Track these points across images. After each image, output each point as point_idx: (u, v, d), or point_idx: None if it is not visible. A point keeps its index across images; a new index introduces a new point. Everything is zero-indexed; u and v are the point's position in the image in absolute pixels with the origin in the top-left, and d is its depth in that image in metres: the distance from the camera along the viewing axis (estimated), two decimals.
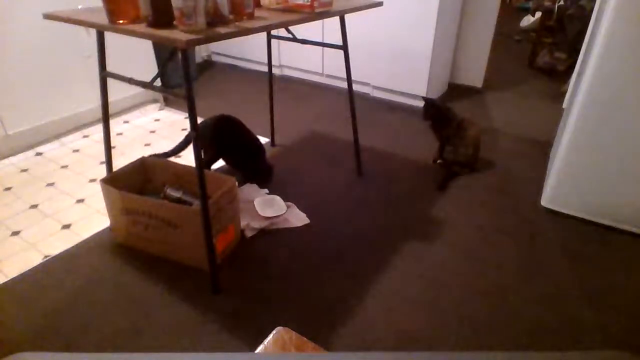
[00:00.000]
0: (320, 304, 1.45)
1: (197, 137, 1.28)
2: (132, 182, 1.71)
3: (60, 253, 1.65)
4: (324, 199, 2.01)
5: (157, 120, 2.83)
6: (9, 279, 1.53)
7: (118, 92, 2.69)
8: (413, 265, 1.61)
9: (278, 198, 1.93)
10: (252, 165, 2.11)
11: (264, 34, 2.47)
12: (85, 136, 2.56)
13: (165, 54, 2.94)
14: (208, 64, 4.05)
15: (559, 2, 3.95)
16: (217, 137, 1.97)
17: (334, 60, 3.33)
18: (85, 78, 2.54)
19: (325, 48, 3.27)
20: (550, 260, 1.65)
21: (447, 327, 1.36)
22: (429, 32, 2.76)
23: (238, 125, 2.05)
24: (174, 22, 1.18)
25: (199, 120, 1.50)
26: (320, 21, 3.16)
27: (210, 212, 1.37)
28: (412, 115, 2.91)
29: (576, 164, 1.76)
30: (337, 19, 1.78)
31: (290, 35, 1.96)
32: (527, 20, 5.10)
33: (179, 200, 1.59)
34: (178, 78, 3.27)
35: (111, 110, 1.92)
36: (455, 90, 3.40)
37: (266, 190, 2.02)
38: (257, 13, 1.46)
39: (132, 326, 1.35)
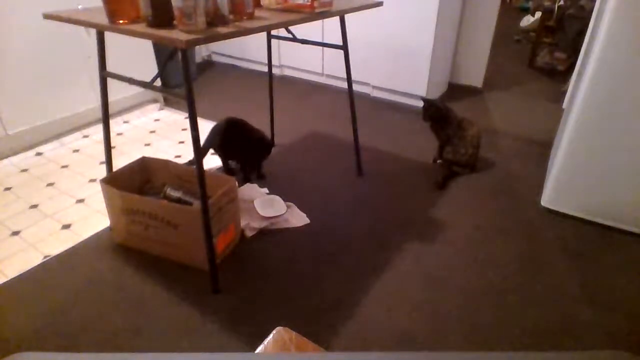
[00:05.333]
0: (320, 304, 1.45)
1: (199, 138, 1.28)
2: (132, 182, 1.71)
3: (60, 253, 1.65)
4: (324, 199, 2.01)
5: (157, 120, 2.83)
6: (9, 279, 1.53)
7: (118, 92, 2.69)
8: (413, 265, 1.61)
9: (278, 198, 1.93)
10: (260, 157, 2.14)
11: (264, 34, 2.47)
12: (85, 136, 2.56)
13: (165, 54, 2.94)
14: (208, 64, 4.05)
15: (559, 2, 3.95)
16: (224, 139, 2.00)
17: (334, 60, 3.33)
18: (85, 78, 2.54)
19: (325, 48, 3.27)
20: (550, 260, 1.65)
21: (447, 327, 1.36)
22: (429, 32, 2.76)
23: (243, 127, 2.06)
24: (174, 22, 1.18)
25: (199, 120, 1.50)
26: (320, 21, 3.16)
27: (210, 212, 1.38)
28: (412, 115, 2.91)
29: (576, 164, 1.76)
30: (337, 19, 1.78)
31: (290, 35, 1.97)
32: (527, 20, 5.10)
33: (179, 200, 1.59)
34: (178, 78, 3.27)
35: (111, 110, 1.92)
36: (455, 90, 3.39)
37: (266, 190, 2.02)
38: (257, 13, 1.46)
39: (132, 326, 1.35)
